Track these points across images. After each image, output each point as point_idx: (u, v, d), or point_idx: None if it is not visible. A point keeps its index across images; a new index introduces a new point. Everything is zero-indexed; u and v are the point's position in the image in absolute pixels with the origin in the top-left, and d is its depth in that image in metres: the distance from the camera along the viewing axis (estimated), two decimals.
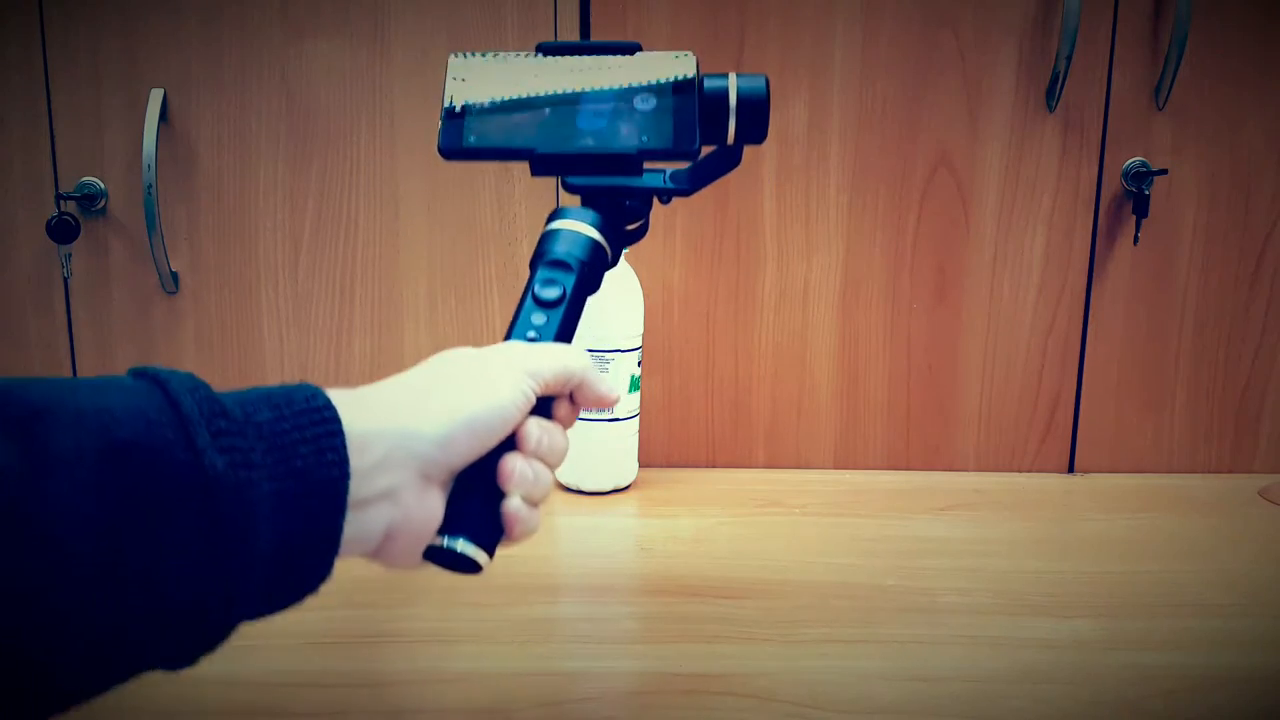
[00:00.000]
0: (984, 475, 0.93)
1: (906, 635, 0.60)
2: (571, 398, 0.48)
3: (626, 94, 0.51)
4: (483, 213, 0.89)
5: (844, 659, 0.58)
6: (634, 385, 0.85)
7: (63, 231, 0.85)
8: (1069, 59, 0.84)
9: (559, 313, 0.50)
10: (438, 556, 0.42)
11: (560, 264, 0.50)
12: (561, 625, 0.62)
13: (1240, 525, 0.81)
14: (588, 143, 0.50)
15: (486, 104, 0.51)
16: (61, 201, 0.86)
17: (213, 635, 0.35)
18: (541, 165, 0.50)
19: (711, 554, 0.73)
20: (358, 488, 0.37)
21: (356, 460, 0.37)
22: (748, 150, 0.89)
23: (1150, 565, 0.72)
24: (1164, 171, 0.87)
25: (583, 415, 0.84)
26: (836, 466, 0.94)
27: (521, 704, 0.52)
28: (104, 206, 0.87)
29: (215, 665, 0.52)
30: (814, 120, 0.88)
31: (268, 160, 0.87)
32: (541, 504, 0.45)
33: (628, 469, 0.87)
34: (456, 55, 0.52)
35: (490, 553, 0.43)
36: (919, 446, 0.94)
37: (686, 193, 0.56)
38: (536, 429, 0.44)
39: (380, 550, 0.40)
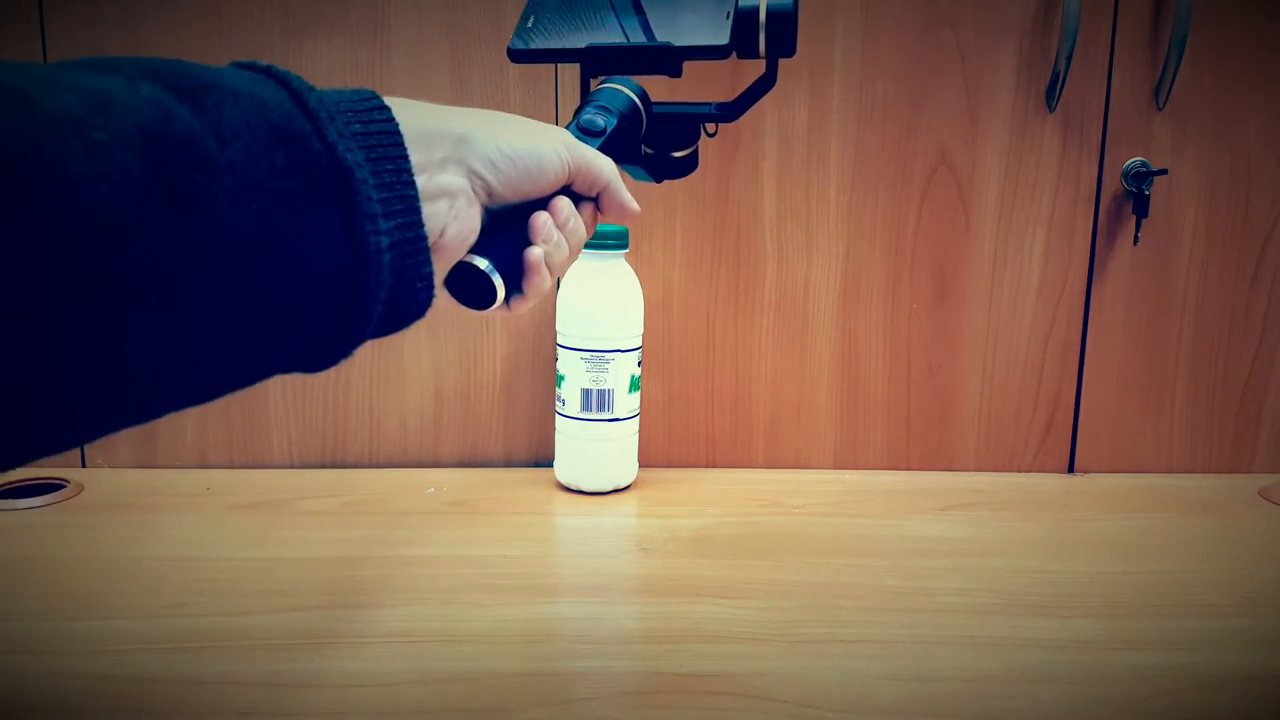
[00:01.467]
0: (984, 475, 0.93)
1: (906, 635, 0.61)
2: (597, 203, 0.50)
3: (670, 6, 0.56)
4: None
5: (844, 659, 0.58)
6: (634, 385, 0.85)
7: None
8: (1069, 59, 0.84)
9: (597, 142, 0.52)
10: (459, 277, 0.44)
11: (604, 108, 0.54)
12: (561, 625, 0.62)
13: (1240, 525, 0.81)
14: (633, 39, 0.55)
15: (551, 19, 0.56)
16: None
17: (351, 333, 0.36)
18: (593, 61, 0.54)
19: (711, 554, 0.73)
20: (426, 182, 0.39)
21: (424, 155, 0.39)
22: (748, 149, 0.90)
23: (1150, 565, 0.72)
24: (1164, 171, 0.87)
25: (583, 415, 0.84)
26: (836, 467, 0.94)
27: (521, 704, 0.52)
28: None
29: (215, 665, 0.52)
30: (814, 120, 0.88)
31: None
32: (556, 273, 0.48)
33: (628, 469, 0.87)
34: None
35: (507, 288, 0.45)
36: (919, 446, 0.94)
37: (730, 118, 0.60)
38: (567, 205, 0.47)
39: (434, 247, 0.41)
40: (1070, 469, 0.94)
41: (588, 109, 0.54)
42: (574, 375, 0.84)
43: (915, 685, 0.55)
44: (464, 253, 0.43)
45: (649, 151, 0.60)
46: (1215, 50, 0.86)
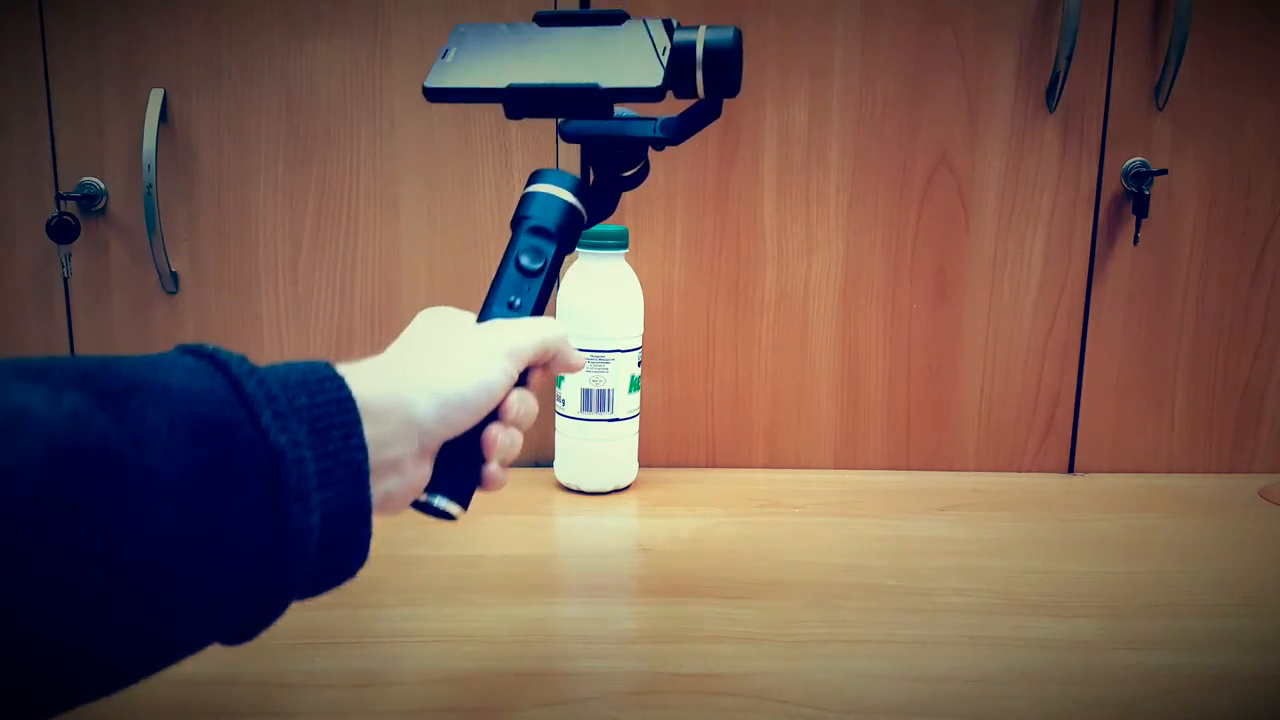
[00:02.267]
0: (984, 475, 0.93)
1: (906, 635, 0.61)
2: (545, 365, 0.52)
3: (603, 40, 0.53)
4: (483, 213, 0.89)
5: (844, 659, 0.58)
6: (634, 385, 0.85)
7: (63, 231, 0.85)
8: (1069, 59, 0.84)
9: (539, 281, 0.52)
10: (422, 507, 0.47)
11: (542, 231, 0.53)
12: (561, 625, 0.62)
13: (1240, 525, 0.81)
14: (558, 79, 0.52)
15: (471, 54, 0.54)
16: (61, 201, 0.86)
17: (272, 607, 0.37)
18: (514, 102, 0.51)
19: (711, 554, 0.73)
20: (374, 456, 0.40)
21: (373, 431, 0.40)
22: (748, 149, 0.89)
23: (1150, 565, 0.72)
24: (1164, 171, 0.87)
25: (583, 415, 0.84)
26: (836, 466, 0.94)
27: (521, 704, 0.52)
28: (104, 206, 0.87)
29: (216, 665, 0.52)
30: (814, 120, 0.88)
31: (268, 160, 0.87)
32: (513, 459, 0.50)
33: (628, 469, 0.87)
34: (460, 25, 0.55)
35: (466, 505, 0.48)
36: (919, 446, 0.94)
37: (674, 141, 0.57)
38: (516, 401, 0.48)
39: (378, 509, 0.43)
40: (1070, 469, 0.94)
41: (525, 238, 0.53)
42: (574, 375, 0.84)
43: (915, 685, 0.55)
44: (417, 494, 0.45)
45: (595, 179, 0.58)
46: (1215, 50, 0.86)
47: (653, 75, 0.50)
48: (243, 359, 0.37)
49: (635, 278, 0.86)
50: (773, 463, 0.94)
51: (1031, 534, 0.78)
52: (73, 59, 0.85)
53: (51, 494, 0.29)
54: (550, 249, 0.53)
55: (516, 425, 0.48)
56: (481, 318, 0.52)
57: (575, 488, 0.86)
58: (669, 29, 0.52)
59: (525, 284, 0.52)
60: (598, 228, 0.84)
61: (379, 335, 0.90)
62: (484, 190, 0.89)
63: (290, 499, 0.35)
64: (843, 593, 0.67)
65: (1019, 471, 0.94)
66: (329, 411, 0.38)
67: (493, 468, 0.48)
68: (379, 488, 0.41)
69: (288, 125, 0.87)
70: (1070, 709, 0.53)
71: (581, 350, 0.83)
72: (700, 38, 0.52)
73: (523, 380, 0.50)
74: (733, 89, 0.53)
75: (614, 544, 0.76)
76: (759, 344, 0.92)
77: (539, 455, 0.93)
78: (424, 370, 0.45)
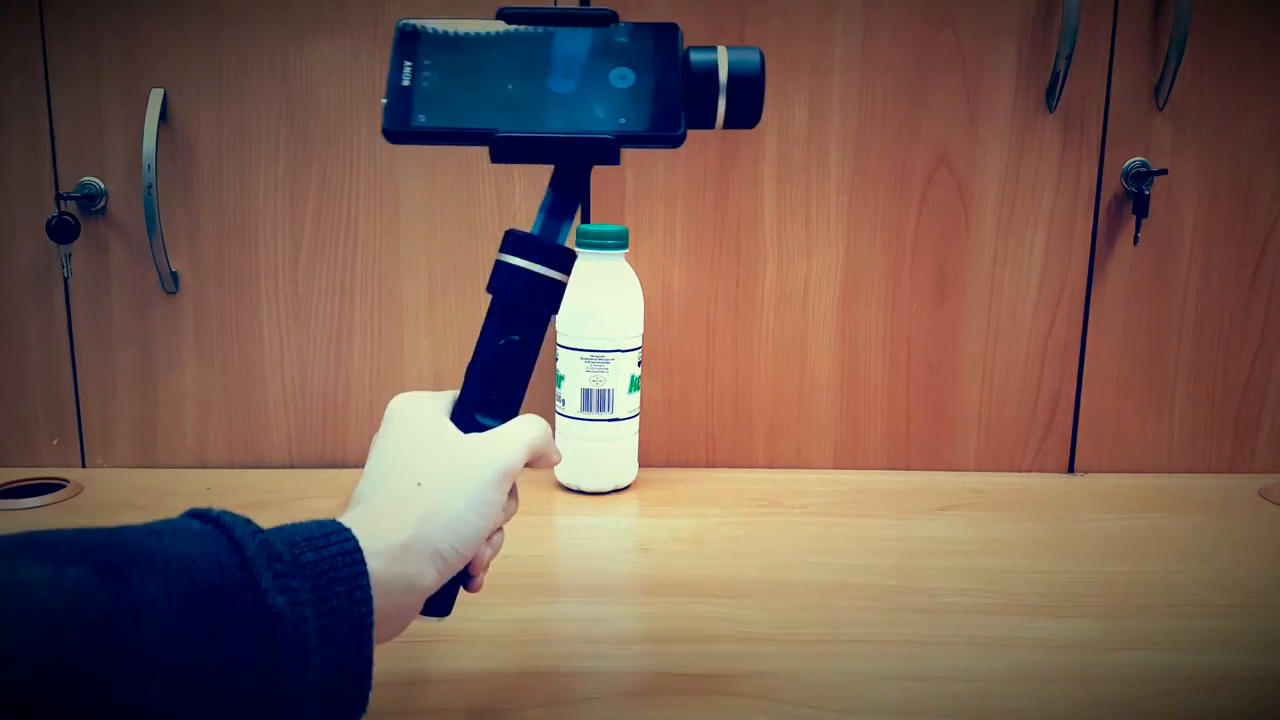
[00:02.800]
0: (984, 475, 0.93)
1: (906, 635, 0.60)
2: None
3: (601, 67, 0.46)
4: (483, 213, 0.89)
5: (844, 659, 0.58)
6: (634, 385, 0.85)
7: (63, 231, 0.85)
8: (1069, 59, 0.84)
9: (517, 370, 0.49)
10: None
11: (512, 312, 0.48)
12: (561, 625, 0.62)
13: (1240, 525, 0.81)
14: (557, 124, 0.45)
15: (439, 77, 0.45)
16: (61, 201, 0.86)
17: None
18: (503, 150, 0.45)
19: (711, 554, 0.73)
20: (378, 624, 0.41)
21: (380, 601, 0.40)
22: (748, 149, 0.89)
23: (1150, 565, 0.72)
24: (1164, 171, 0.87)
25: (583, 415, 0.84)
26: (836, 466, 0.94)
27: (521, 704, 0.52)
28: (104, 206, 0.87)
29: None
30: (814, 120, 0.88)
31: (268, 160, 0.87)
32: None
33: (628, 469, 0.87)
34: (406, 23, 0.47)
35: (449, 612, 0.49)
36: (919, 446, 0.94)
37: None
38: (503, 517, 0.49)
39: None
40: (1070, 469, 0.94)
41: (494, 326, 0.48)
42: (574, 375, 0.84)
43: (915, 685, 0.55)
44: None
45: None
46: (1215, 50, 0.86)
47: (672, 119, 0.44)
48: (247, 521, 0.39)
49: (635, 278, 0.86)
50: (773, 463, 0.94)
51: (1031, 534, 0.78)
52: (73, 59, 0.85)
53: (45, 670, 0.30)
54: (525, 329, 0.48)
55: (500, 531, 0.50)
56: (459, 410, 0.49)
57: (575, 488, 0.86)
58: (672, 39, 0.46)
59: (502, 375, 0.49)
60: (598, 227, 0.84)
61: (379, 335, 0.91)
62: (484, 190, 0.89)
63: (287, 660, 0.36)
64: (843, 593, 0.67)
65: (1019, 471, 0.94)
66: (333, 566, 0.39)
67: (478, 582, 0.49)
68: (380, 635, 0.41)
69: (288, 125, 0.87)
70: (1070, 709, 0.53)
71: (582, 350, 0.83)
72: (723, 60, 0.45)
73: None
74: (753, 119, 0.47)
75: (614, 544, 0.76)
76: (759, 344, 0.92)
77: None
78: (421, 524, 0.44)
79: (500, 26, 0.47)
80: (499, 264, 0.48)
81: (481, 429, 0.48)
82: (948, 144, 0.88)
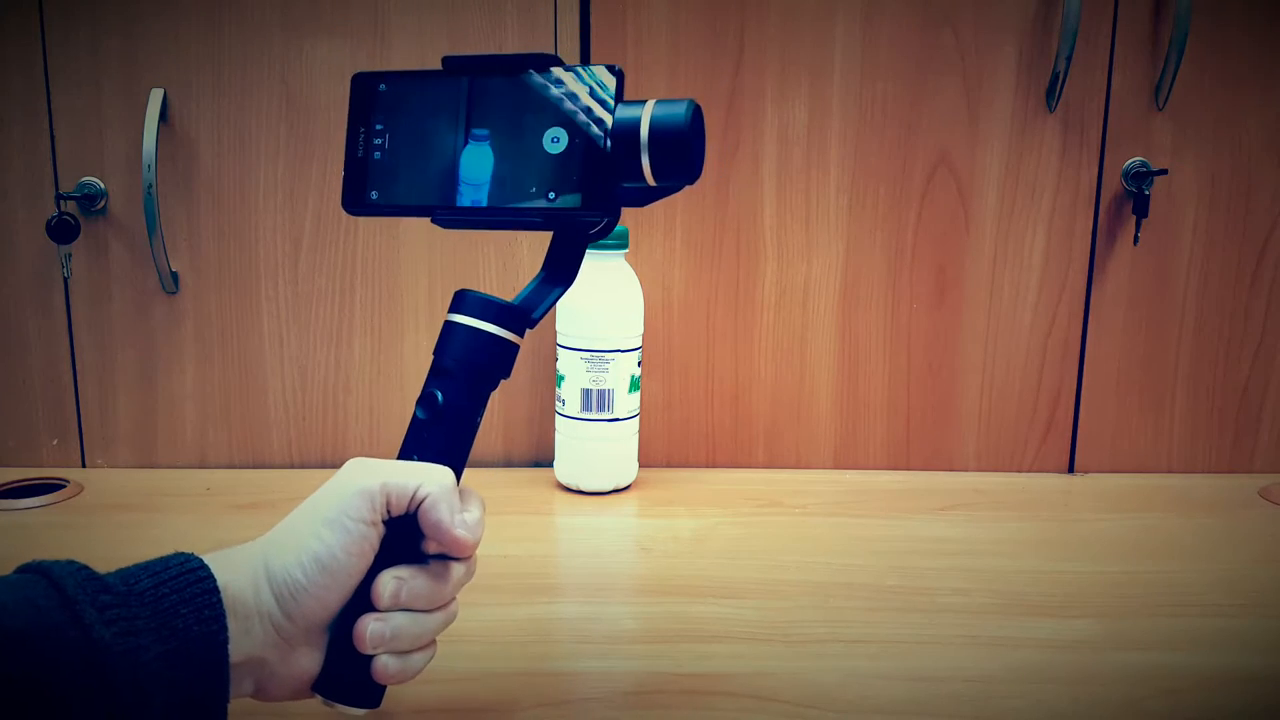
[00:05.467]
0: (984, 475, 0.93)
1: (906, 635, 0.60)
2: (430, 533, 0.45)
3: (535, 130, 0.45)
4: None
5: (844, 659, 0.58)
6: (634, 385, 0.85)
7: (63, 231, 0.85)
8: (1069, 59, 0.84)
9: (439, 430, 0.46)
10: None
11: (443, 371, 0.46)
12: (561, 625, 0.62)
13: (1240, 525, 0.81)
14: (490, 198, 0.45)
15: (387, 148, 0.46)
16: (61, 201, 0.86)
17: None
18: (446, 223, 0.47)
19: (711, 554, 0.73)
20: (231, 650, 0.38)
21: (230, 627, 0.38)
22: (748, 149, 0.89)
23: (1150, 565, 0.72)
24: (1164, 171, 0.87)
25: (583, 415, 0.84)
26: (836, 466, 0.94)
27: (521, 704, 0.52)
28: (104, 206, 0.87)
29: None
30: (814, 120, 0.88)
31: (268, 160, 0.87)
32: (427, 648, 0.45)
33: (628, 469, 0.87)
34: (360, 79, 0.47)
35: (365, 704, 0.44)
36: (919, 446, 0.93)
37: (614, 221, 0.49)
38: (392, 583, 0.43)
39: (257, 696, 0.42)
40: (1070, 469, 0.94)
41: (428, 381, 0.46)
42: (574, 375, 0.84)
43: (915, 685, 0.55)
44: (304, 687, 0.43)
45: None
46: (1215, 50, 0.86)
47: (601, 197, 0.43)
48: (71, 561, 0.37)
49: (635, 278, 0.86)
50: (773, 463, 0.94)
51: (1031, 534, 0.78)
52: (73, 59, 0.85)
53: None
54: (460, 393, 0.46)
55: (405, 608, 0.43)
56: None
57: (575, 488, 0.86)
58: (609, 89, 0.44)
59: (422, 434, 0.46)
60: None
61: (379, 335, 0.91)
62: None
63: (123, 691, 0.34)
64: (843, 593, 0.67)
65: (1019, 471, 0.94)
66: (176, 588, 0.37)
67: (380, 661, 0.43)
68: (237, 680, 0.39)
69: (288, 125, 0.87)
70: (1070, 709, 0.53)
71: (582, 350, 0.83)
72: (646, 116, 0.43)
73: (412, 553, 0.44)
74: (690, 174, 0.44)
75: (614, 544, 0.76)
76: (759, 344, 0.92)
77: (539, 455, 0.93)
78: (267, 545, 0.42)
79: (446, 79, 0.47)
80: (445, 324, 0.47)
81: None
82: (948, 144, 0.88)
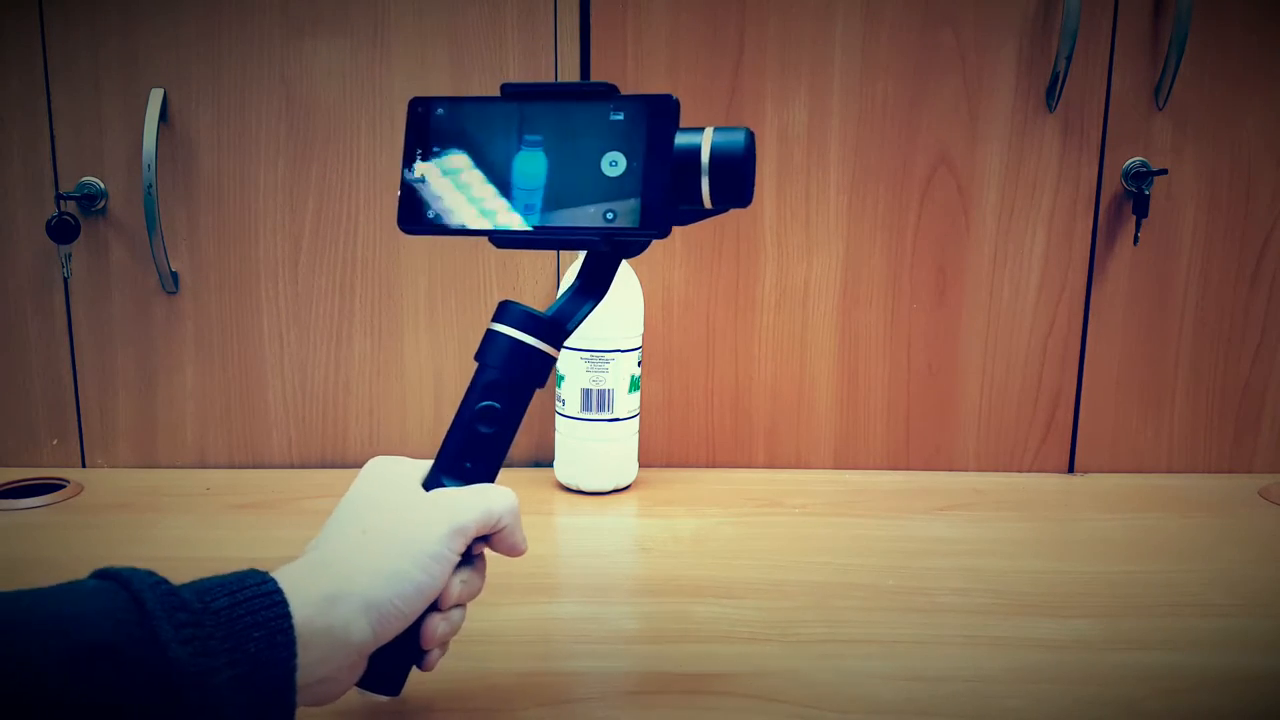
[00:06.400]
0: (984, 475, 0.93)
1: (906, 635, 0.60)
2: (490, 539, 0.48)
3: (593, 153, 0.47)
4: None
5: (844, 659, 0.58)
6: (634, 385, 0.85)
7: (63, 231, 0.85)
8: (1069, 59, 0.84)
9: (496, 442, 0.48)
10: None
11: (497, 386, 0.48)
12: (561, 625, 0.62)
13: (1240, 525, 0.81)
14: (550, 220, 0.47)
15: (445, 171, 0.48)
16: (61, 201, 0.86)
17: None
18: (504, 244, 0.48)
19: (711, 554, 0.73)
20: (301, 678, 0.39)
21: (304, 656, 0.39)
22: None
23: (1150, 565, 0.72)
24: (1164, 171, 0.87)
25: (583, 415, 0.84)
26: (836, 466, 0.94)
27: (521, 704, 0.52)
28: (104, 206, 0.87)
29: None
30: (814, 120, 0.88)
31: (268, 160, 0.87)
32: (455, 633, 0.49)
33: (628, 469, 0.87)
34: (418, 104, 0.48)
35: (398, 691, 0.48)
36: (919, 446, 0.93)
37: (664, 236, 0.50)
38: (457, 586, 0.46)
39: (306, 704, 0.43)
40: (1070, 469, 0.94)
41: (477, 396, 0.48)
42: (574, 375, 0.84)
43: (915, 685, 0.55)
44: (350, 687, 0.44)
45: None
46: (1215, 50, 0.86)
47: (659, 216, 0.46)
48: (149, 573, 0.37)
49: (635, 278, 0.86)
50: (773, 463, 0.94)
51: (1031, 534, 0.78)
52: (73, 59, 0.85)
53: None
54: (508, 404, 0.48)
55: (458, 606, 0.47)
56: (432, 475, 0.48)
57: (575, 488, 0.86)
58: (667, 117, 0.45)
59: (481, 446, 0.48)
60: None
61: (379, 335, 0.91)
62: None
63: (195, 714, 0.34)
64: (843, 593, 0.67)
65: (1019, 471, 0.94)
66: (250, 610, 0.37)
67: (433, 655, 0.47)
68: (304, 696, 0.40)
69: (288, 125, 0.87)
70: (1070, 709, 0.53)
71: (582, 350, 0.83)
72: (706, 143, 0.46)
73: (467, 557, 0.47)
74: (744, 198, 0.47)
75: (614, 544, 0.76)
76: (759, 344, 0.92)
77: (539, 455, 0.93)
78: (356, 574, 0.42)
79: (504, 104, 0.48)
80: (488, 332, 0.49)
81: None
82: (948, 144, 0.88)
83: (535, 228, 0.47)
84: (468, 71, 0.86)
